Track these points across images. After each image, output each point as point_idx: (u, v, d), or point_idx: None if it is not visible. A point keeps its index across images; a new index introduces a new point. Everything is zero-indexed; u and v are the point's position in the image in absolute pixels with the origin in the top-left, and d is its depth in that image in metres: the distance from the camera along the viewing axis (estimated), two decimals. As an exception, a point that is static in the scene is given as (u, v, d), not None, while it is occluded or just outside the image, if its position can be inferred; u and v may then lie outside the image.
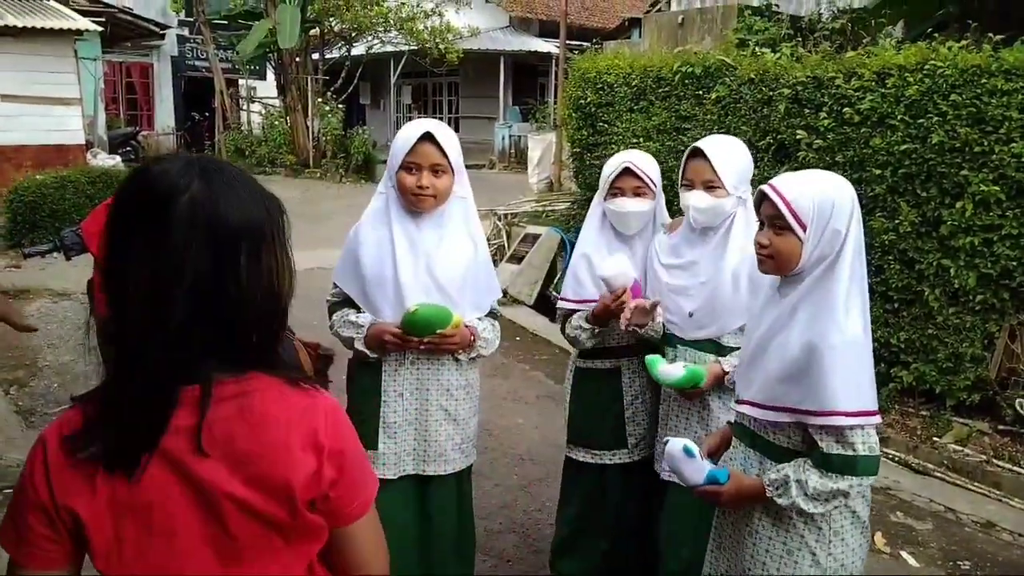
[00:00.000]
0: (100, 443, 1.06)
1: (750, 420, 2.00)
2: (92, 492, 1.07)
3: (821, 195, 1.82)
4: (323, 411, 1.17)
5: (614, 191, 2.69)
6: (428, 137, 2.36)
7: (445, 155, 2.37)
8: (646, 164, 2.69)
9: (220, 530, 1.10)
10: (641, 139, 6.70)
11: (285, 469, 1.10)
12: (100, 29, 11.21)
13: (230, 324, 1.11)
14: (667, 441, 2.01)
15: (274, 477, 1.10)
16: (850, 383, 1.80)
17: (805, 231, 1.81)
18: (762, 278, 2.10)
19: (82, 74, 11.07)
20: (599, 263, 2.65)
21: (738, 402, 2.03)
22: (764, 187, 1.88)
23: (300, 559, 1.17)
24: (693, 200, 2.47)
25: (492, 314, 2.62)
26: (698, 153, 2.46)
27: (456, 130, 2.80)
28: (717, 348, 2.52)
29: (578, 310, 2.78)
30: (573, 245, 7.85)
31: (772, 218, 1.86)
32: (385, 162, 2.53)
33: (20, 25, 9.77)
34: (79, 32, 10.45)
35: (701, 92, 6.19)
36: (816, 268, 1.84)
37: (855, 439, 1.81)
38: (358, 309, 2.51)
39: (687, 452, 1.96)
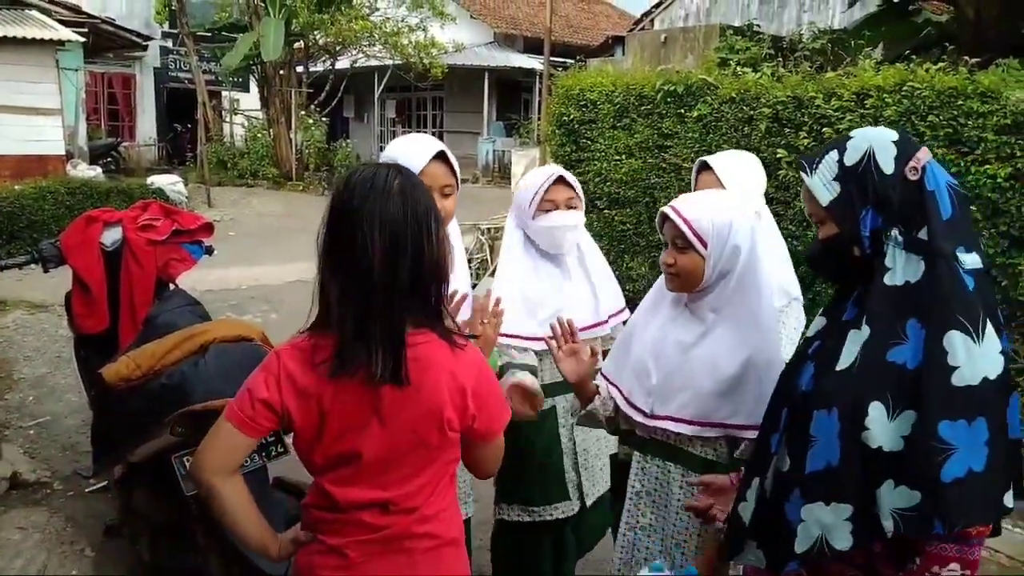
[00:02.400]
0: (360, 367, 1.48)
1: (669, 435, 2.00)
2: (308, 396, 1.52)
3: (719, 214, 1.91)
4: (469, 362, 1.60)
5: (546, 205, 2.49)
6: (440, 156, 2.20)
7: (454, 174, 2.25)
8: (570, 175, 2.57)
9: (390, 438, 1.53)
10: (623, 156, 6.76)
11: (439, 402, 1.54)
12: (82, 40, 11.14)
13: (423, 284, 1.52)
14: None
15: (431, 406, 1.53)
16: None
17: (707, 248, 1.90)
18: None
19: (63, 84, 11.00)
20: (530, 289, 2.52)
21: (652, 417, 2.01)
22: (665, 209, 1.96)
23: (443, 466, 1.62)
24: None
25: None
26: (706, 167, 2.50)
27: (441, 143, 2.69)
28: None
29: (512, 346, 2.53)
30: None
31: (675, 238, 1.94)
32: None
33: (1, 35, 9.71)
34: (61, 42, 10.39)
35: (683, 110, 6.25)
36: (721, 283, 1.93)
37: None
38: None
39: (656, 569, 1.87)
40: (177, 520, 2.88)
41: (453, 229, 2.45)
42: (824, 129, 5.09)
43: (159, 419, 2.62)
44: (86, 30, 11.76)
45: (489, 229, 10.26)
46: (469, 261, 9.39)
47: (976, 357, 1.34)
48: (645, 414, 2.03)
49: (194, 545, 2.86)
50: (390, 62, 19.87)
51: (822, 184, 1.50)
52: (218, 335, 2.79)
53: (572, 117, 7.25)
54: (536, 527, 2.66)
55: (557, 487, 2.61)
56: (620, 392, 2.13)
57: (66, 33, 10.48)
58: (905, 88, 4.76)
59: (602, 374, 2.22)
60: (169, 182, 13.33)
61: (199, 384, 2.62)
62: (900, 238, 1.44)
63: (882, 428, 1.39)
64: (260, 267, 10.01)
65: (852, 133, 1.52)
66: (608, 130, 6.95)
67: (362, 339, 1.48)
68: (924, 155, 1.46)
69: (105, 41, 13.93)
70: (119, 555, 3.33)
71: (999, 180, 4.39)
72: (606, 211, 6.99)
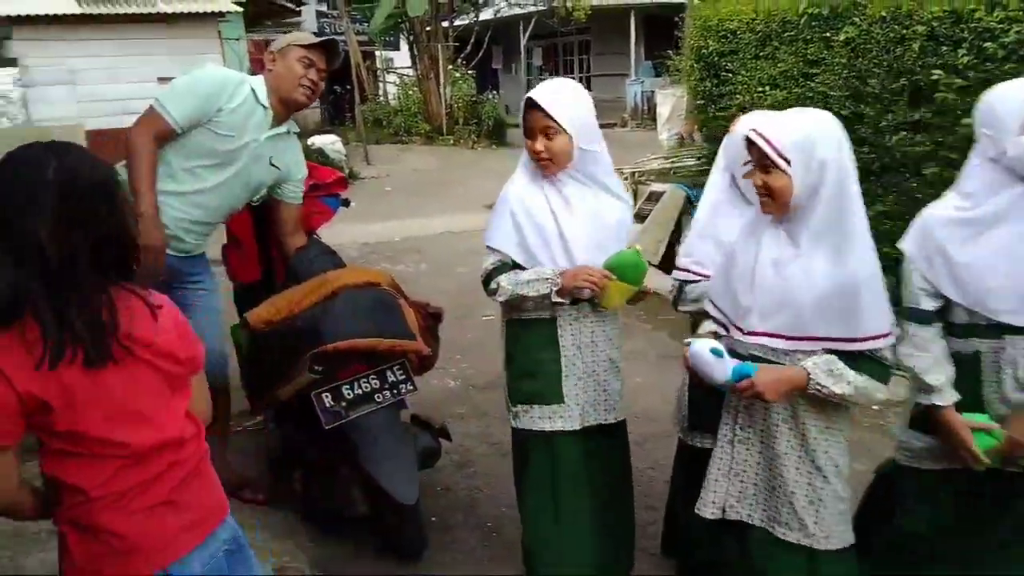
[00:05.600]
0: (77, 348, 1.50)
1: (767, 351, 2.06)
2: (56, 379, 1.49)
3: (800, 130, 1.94)
4: (168, 302, 1.73)
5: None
6: (531, 103, 2.43)
7: (551, 117, 2.41)
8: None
9: (146, 379, 1.63)
10: (767, 87, 6.45)
11: (165, 340, 1.65)
12: (240, 10, 11.79)
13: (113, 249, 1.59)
14: (689, 343, 2.10)
15: (162, 345, 1.64)
16: (881, 308, 1.97)
17: (790, 165, 1.92)
18: None
19: (227, 55, 11.72)
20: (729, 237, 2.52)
21: (749, 334, 2.07)
22: (748, 132, 2.01)
23: (183, 401, 1.74)
24: None
25: None
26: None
27: (588, 89, 2.79)
28: None
29: (696, 281, 2.61)
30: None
31: (760, 159, 1.98)
32: (517, 126, 2.64)
33: (169, 11, 10.46)
34: (222, 14, 11.04)
35: (829, 34, 5.87)
36: (812, 201, 1.94)
37: (887, 353, 2.00)
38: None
39: (715, 353, 2.02)
40: (323, 453, 3.12)
41: (606, 162, 2.58)
42: (986, 44, 4.63)
43: (298, 359, 2.84)
44: (244, 0, 12.43)
45: (633, 173, 10.12)
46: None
47: None
48: (741, 331, 2.09)
49: (338, 477, 3.09)
50: (534, 9, 19.74)
51: None
52: (348, 281, 2.97)
53: (711, 49, 6.98)
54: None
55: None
56: (724, 316, 2.19)
57: (225, 4, 11.13)
58: (1085, -10, 4.26)
59: (710, 301, 2.28)
60: (329, 142, 13.98)
61: (329, 326, 2.82)
62: None
63: None
64: (413, 220, 10.41)
65: None
66: (750, 60, 6.64)
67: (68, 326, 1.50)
68: None
69: (263, 9, 14.68)
70: (281, 485, 3.56)
71: None
72: (750, 147, 6.72)
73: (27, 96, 10.03)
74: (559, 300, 2.47)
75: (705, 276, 2.56)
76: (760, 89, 6.48)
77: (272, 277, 3.71)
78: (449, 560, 3.20)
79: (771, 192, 1.98)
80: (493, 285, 2.55)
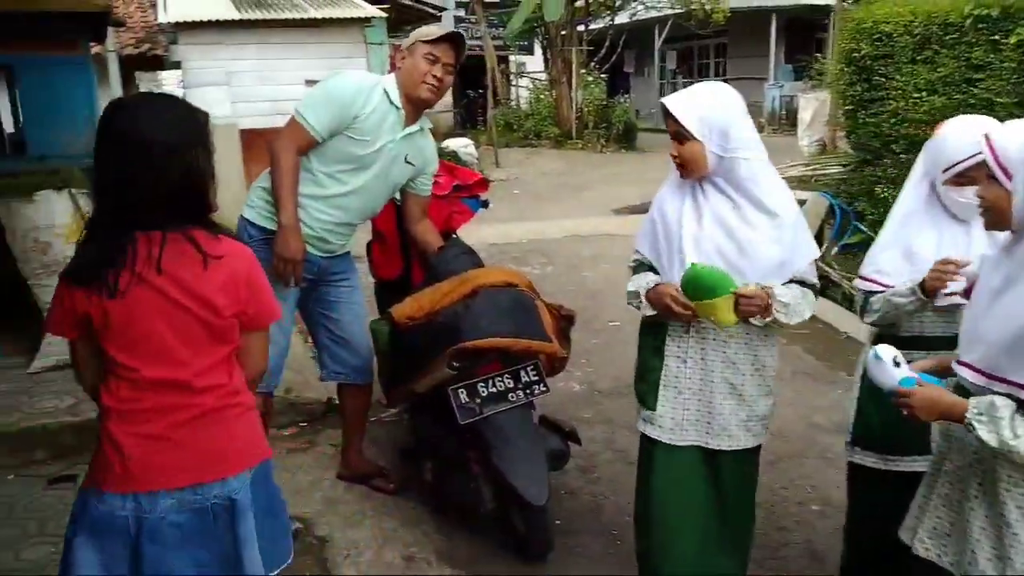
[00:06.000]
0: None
1: (965, 381, 1.85)
2: (96, 301, 1.74)
3: None
4: (241, 255, 1.87)
5: (962, 180, 2.32)
6: (664, 109, 2.41)
7: (679, 123, 2.36)
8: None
9: (176, 321, 1.78)
10: (924, 93, 6.10)
11: (211, 290, 1.79)
12: (384, 16, 12.18)
13: (165, 197, 1.76)
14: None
15: (204, 293, 1.78)
16: None
17: (1011, 180, 1.72)
18: None
19: (371, 58, 12.13)
20: (921, 248, 2.42)
21: (958, 363, 1.88)
22: (980, 136, 1.83)
23: (221, 350, 1.86)
24: None
25: (803, 283, 2.45)
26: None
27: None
28: None
29: (880, 291, 2.47)
30: (843, 211, 7.33)
31: (986, 168, 1.81)
32: (647, 131, 2.58)
33: (319, 16, 10.93)
34: (367, 19, 11.44)
35: (998, 36, 5.49)
36: None
37: None
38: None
39: (875, 357, 1.93)
40: (455, 448, 3.17)
41: (758, 171, 2.40)
42: None
43: (436, 354, 2.89)
44: (388, 6, 12.83)
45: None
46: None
47: None
48: (956, 359, 1.92)
49: (469, 472, 3.13)
50: (670, 11, 19.47)
51: None
52: (487, 281, 3.01)
53: (863, 53, 6.67)
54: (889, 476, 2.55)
55: (922, 438, 2.45)
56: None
57: (372, 10, 11.51)
58: None
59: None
60: (461, 145, 14.26)
61: (469, 324, 2.86)
62: None
63: None
64: (540, 222, 10.44)
65: None
66: (906, 65, 6.29)
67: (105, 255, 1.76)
68: None
69: (405, 16, 15.11)
70: (411, 475, 3.65)
71: None
72: (903, 155, 6.36)
73: (188, 96, 10.71)
74: (651, 313, 2.44)
75: (887, 286, 2.44)
76: (916, 95, 6.14)
77: (410, 275, 3.80)
78: (573, 564, 3.18)
79: (989, 207, 1.81)
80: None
